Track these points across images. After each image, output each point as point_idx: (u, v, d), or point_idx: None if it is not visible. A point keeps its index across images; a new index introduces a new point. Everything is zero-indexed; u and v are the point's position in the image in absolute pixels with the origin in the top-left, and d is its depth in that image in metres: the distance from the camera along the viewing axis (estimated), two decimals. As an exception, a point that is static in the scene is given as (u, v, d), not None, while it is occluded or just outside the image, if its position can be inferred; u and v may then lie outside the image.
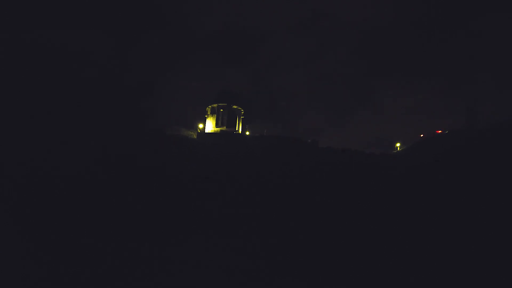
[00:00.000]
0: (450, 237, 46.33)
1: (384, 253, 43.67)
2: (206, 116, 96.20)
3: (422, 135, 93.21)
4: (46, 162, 56.43)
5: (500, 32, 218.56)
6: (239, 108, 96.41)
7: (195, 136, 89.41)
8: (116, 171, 58.21)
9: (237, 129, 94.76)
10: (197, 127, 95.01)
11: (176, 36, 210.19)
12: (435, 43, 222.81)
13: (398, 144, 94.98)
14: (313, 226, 52.94)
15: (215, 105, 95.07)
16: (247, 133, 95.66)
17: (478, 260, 38.69)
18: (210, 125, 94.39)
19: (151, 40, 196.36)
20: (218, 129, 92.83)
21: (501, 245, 40.42)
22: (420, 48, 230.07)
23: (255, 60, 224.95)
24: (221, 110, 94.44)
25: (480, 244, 42.14)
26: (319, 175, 65.97)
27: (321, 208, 58.16)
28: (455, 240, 45.15)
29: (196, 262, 38.31)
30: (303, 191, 62.88)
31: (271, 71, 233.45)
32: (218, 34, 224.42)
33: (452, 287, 34.91)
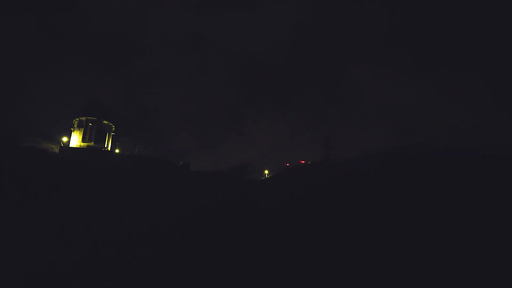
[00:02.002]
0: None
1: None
2: (72, 129, 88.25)
3: (288, 164, 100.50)
4: None
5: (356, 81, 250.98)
6: (110, 124, 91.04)
7: (57, 150, 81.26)
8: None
9: (106, 146, 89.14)
10: (60, 140, 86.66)
11: (38, 33, 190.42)
12: (301, 79, 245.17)
13: (266, 171, 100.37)
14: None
15: (83, 118, 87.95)
16: (117, 150, 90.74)
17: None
18: (76, 139, 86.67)
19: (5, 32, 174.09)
20: (85, 144, 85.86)
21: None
22: (289, 82, 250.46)
23: (129, 73, 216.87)
24: (90, 124, 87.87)
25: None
26: (189, 198, 65.38)
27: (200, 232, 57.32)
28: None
29: None
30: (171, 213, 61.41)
31: (145, 87, 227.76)
32: (90, 38, 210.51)
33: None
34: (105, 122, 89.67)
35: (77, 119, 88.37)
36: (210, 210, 62.34)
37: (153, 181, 69.64)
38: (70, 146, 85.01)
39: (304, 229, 57.85)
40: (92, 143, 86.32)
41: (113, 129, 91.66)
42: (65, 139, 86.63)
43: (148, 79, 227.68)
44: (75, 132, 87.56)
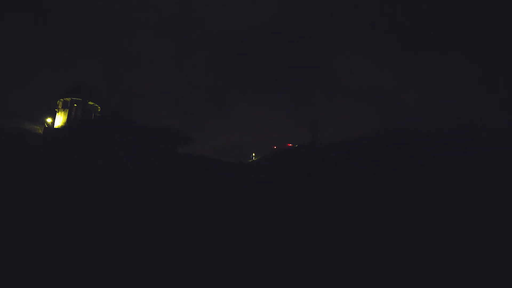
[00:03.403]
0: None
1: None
2: (56, 110, 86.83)
3: (275, 147, 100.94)
4: None
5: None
6: (95, 105, 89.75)
7: (40, 131, 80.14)
8: None
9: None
10: (44, 121, 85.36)
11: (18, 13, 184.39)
12: (286, 61, 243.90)
13: (253, 154, 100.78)
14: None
15: (68, 99, 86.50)
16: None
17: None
18: (60, 120, 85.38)
19: None
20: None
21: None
22: (274, 64, 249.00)
23: (111, 54, 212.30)
24: (75, 105, 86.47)
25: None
26: (177, 180, 65.30)
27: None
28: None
29: None
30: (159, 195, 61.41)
31: (127, 68, 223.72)
32: (73, 19, 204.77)
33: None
34: (90, 103, 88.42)
35: (61, 99, 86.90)
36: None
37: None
38: (54, 127, 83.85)
39: (292, 207, 58.64)
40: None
41: (99, 110, 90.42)
42: (49, 120, 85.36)
43: (129, 61, 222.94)
44: (59, 113, 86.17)
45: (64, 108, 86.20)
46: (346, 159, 73.63)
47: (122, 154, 65.13)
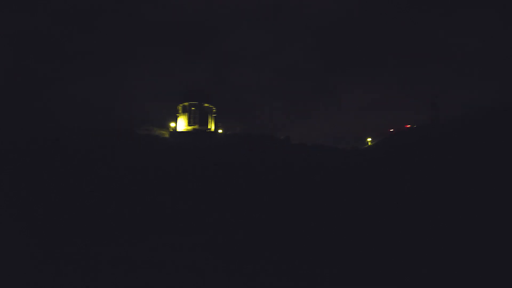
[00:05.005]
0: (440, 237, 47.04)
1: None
2: (177, 114, 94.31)
3: (392, 130, 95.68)
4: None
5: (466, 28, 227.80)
6: (211, 106, 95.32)
7: (167, 135, 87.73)
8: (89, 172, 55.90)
9: (209, 127, 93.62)
10: (168, 126, 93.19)
11: (129, 28, 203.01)
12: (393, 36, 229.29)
13: (369, 139, 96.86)
14: (285, 224, 52.32)
15: (186, 104, 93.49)
16: (220, 131, 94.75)
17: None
18: (182, 124, 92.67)
19: (105, 31, 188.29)
20: (190, 127, 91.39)
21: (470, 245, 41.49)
22: (380, 42, 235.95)
23: (214, 54, 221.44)
24: (193, 108, 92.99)
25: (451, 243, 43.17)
26: (297, 171, 65.96)
27: (302, 205, 57.91)
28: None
29: (164, 262, 37.05)
30: (281, 188, 62.51)
31: (231, 65, 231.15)
32: (172, 26, 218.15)
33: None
34: (205, 105, 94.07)
35: (180, 104, 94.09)
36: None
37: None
38: (178, 130, 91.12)
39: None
40: (196, 126, 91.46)
41: (214, 110, 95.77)
42: (173, 124, 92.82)
43: (231, 57, 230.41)
44: (180, 117, 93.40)
45: (184, 112, 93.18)
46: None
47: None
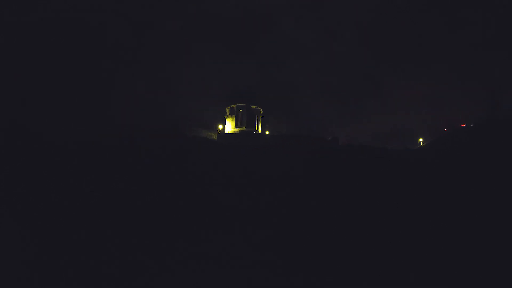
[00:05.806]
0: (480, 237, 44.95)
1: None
2: (225, 116, 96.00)
3: (445, 129, 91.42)
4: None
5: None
6: (258, 107, 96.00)
7: (215, 137, 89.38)
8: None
9: (256, 129, 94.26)
10: (216, 128, 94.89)
11: (177, 29, 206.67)
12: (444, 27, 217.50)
13: (421, 139, 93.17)
14: (333, 225, 51.60)
15: (233, 106, 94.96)
16: (267, 132, 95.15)
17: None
18: (229, 126, 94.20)
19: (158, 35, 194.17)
20: (238, 129, 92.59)
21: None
22: (431, 34, 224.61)
23: (259, 53, 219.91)
24: (240, 110, 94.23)
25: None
26: (345, 173, 64.82)
27: (348, 208, 56.92)
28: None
29: (219, 257, 38.14)
30: (328, 190, 61.73)
31: (277, 63, 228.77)
32: (219, 24, 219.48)
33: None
34: (253, 106, 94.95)
35: (228, 107, 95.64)
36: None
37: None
38: (225, 132, 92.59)
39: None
40: (244, 128, 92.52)
41: (261, 112, 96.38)
42: (220, 126, 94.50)
43: (278, 55, 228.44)
44: (228, 119, 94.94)
45: (231, 114, 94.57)
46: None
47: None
